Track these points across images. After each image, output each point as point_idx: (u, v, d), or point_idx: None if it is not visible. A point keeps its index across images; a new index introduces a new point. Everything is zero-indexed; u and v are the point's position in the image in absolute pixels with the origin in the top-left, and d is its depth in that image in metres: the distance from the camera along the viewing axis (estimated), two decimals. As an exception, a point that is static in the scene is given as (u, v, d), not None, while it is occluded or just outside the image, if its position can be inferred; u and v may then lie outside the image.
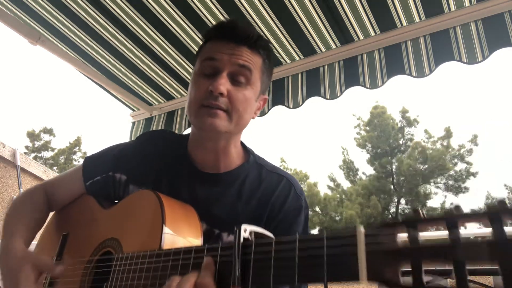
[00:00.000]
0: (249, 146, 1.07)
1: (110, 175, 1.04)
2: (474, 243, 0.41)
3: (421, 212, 0.46)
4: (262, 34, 0.99)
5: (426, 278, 0.43)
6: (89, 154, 1.13)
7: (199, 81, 0.91)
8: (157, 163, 1.01)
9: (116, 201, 1.02)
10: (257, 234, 0.64)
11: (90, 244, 0.93)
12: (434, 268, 0.43)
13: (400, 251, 0.45)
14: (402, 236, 0.47)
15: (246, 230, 0.63)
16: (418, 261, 0.44)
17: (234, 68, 0.90)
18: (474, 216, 0.42)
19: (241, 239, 0.61)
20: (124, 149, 1.07)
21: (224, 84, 0.87)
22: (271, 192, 0.98)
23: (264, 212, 0.95)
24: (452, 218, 0.43)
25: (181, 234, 0.80)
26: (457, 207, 0.43)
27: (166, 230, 0.77)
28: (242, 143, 1.05)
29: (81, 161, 1.15)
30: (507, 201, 0.40)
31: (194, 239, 0.82)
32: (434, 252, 0.43)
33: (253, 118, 0.99)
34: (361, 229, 0.49)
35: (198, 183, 0.98)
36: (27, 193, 1.10)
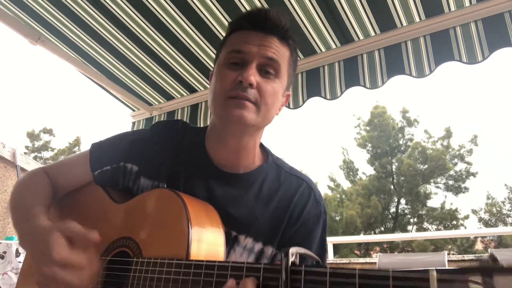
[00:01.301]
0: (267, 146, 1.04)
1: (121, 165, 0.98)
2: None
3: (498, 260, 0.40)
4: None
5: None
6: (96, 140, 1.04)
7: (225, 73, 0.87)
8: (173, 156, 0.96)
9: (126, 193, 0.96)
10: (302, 255, 0.58)
11: (101, 240, 0.88)
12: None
13: None
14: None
15: (294, 254, 0.56)
16: None
17: (262, 60, 0.87)
18: None
19: (289, 264, 0.55)
20: (138, 139, 1.01)
21: (254, 75, 0.84)
22: (291, 196, 0.95)
23: (284, 217, 0.92)
24: None
25: (207, 239, 0.77)
26: None
27: (193, 236, 0.72)
28: (260, 142, 1.01)
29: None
30: None
31: (218, 244, 0.79)
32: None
33: (277, 114, 0.95)
34: (434, 274, 0.45)
35: (215, 181, 0.93)
36: (31, 176, 1.00)
